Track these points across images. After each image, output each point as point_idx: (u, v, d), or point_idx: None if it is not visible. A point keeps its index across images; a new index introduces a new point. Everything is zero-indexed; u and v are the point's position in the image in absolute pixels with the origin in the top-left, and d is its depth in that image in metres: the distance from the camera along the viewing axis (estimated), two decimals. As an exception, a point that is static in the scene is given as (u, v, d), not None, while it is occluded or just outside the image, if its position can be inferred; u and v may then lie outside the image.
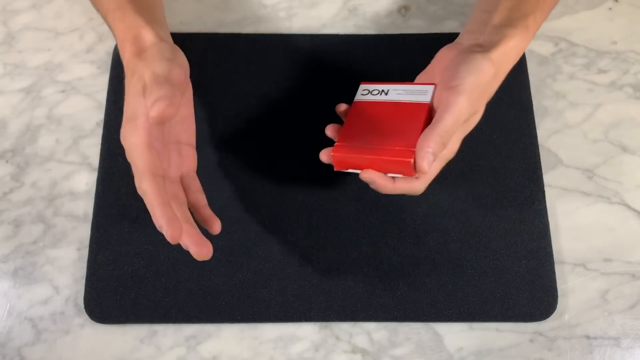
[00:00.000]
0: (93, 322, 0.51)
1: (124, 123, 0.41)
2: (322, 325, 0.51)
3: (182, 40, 0.59)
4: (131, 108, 0.41)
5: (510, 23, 0.45)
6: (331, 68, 0.59)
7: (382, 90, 0.48)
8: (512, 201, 0.54)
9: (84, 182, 0.56)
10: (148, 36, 0.43)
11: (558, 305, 0.51)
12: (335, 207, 0.54)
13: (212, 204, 0.54)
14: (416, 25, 0.62)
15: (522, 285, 0.51)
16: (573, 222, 0.54)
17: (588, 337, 0.51)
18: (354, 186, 0.54)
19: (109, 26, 0.47)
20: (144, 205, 0.53)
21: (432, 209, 0.54)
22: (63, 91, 0.60)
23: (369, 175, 0.44)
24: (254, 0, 0.63)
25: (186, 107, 0.46)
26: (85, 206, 0.55)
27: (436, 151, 0.41)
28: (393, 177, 0.44)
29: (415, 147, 0.42)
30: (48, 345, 0.51)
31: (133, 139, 0.40)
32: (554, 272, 0.52)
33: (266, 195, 0.54)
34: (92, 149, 0.57)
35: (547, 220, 0.53)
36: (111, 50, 0.60)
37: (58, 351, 0.50)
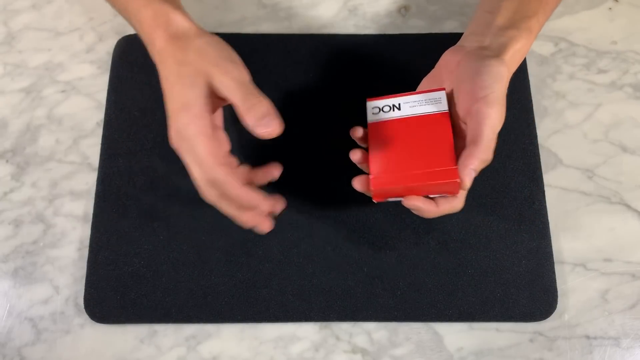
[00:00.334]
0: (93, 322, 0.51)
1: (176, 112, 0.40)
2: (322, 325, 0.51)
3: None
4: (180, 96, 0.40)
5: (513, 25, 0.45)
6: (331, 68, 0.59)
7: (394, 105, 0.46)
8: (512, 201, 0.54)
9: (84, 182, 0.56)
10: (180, 21, 0.43)
11: (558, 305, 0.51)
12: (335, 207, 0.54)
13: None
14: (416, 25, 0.62)
15: (522, 285, 0.51)
16: (573, 222, 0.54)
17: (588, 337, 0.51)
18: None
19: (130, 16, 0.45)
20: (144, 205, 0.54)
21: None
22: (63, 91, 0.60)
23: (414, 204, 0.43)
24: (254, 0, 0.64)
25: None
26: (85, 206, 0.55)
27: (478, 168, 0.41)
28: (433, 199, 0.43)
29: (455, 164, 0.41)
30: (48, 345, 0.51)
31: (192, 129, 0.40)
32: (554, 272, 0.52)
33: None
34: (92, 149, 0.57)
35: (547, 220, 0.53)
36: (111, 50, 0.60)
37: (58, 351, 0.50)
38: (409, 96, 0.46)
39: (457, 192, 0.42)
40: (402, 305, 0.51)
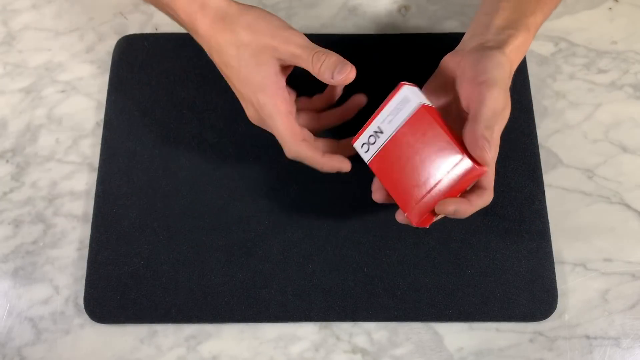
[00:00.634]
0: (93, 322, 0.51)
1: (249, 95, 0.42)
2: (322, 325, 0.51)
3: (183, 40, 0.59)
4: (250, 79, 0.42)
5: (511, 25, 0.45)
6: (331, 68, 0.59)
7: (376, 132, 0.44)
8: (512, 201, 0.54)
9: (84, 182, 0.56)
10: (215, 1, 0.42)
11: (558, 305, 0.51)
12: (335, 207, 0.54)
13: (212, 204, 0.54)
14: (416, 25, 0.62)
15: (522, 285, 0.51)
16: (573, 222, 0.54)
17: (588, 337, 0.51)
18: (354, 186, 0.54)
19: (167, 9, 0.45)
20: (144, 205, 0.54)
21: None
22: (63, 91, 0.60)
23: (453, 208, 0.41)
24: (254, 0, 0.63)
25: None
26: (85, 206, 0.55)
27: (487, 136, 0.40)
28: (464, 196, 0.42)
29: (462, 152, 0.40)
30: (48, 345, 0.51)
31: (269, 109, 0.42)
32: (554, 272, 0.52)
33: (266, 195, 0.54)
34: (92, 149, 0.57)
35: (547, 220, 0.53)
36: (111, 50, 0.60)
37: (58, 351, 0.50)
38: (380, 114, 0.44)
39: (485, 170, 0.42)
40: (402, 305, 0.51)
